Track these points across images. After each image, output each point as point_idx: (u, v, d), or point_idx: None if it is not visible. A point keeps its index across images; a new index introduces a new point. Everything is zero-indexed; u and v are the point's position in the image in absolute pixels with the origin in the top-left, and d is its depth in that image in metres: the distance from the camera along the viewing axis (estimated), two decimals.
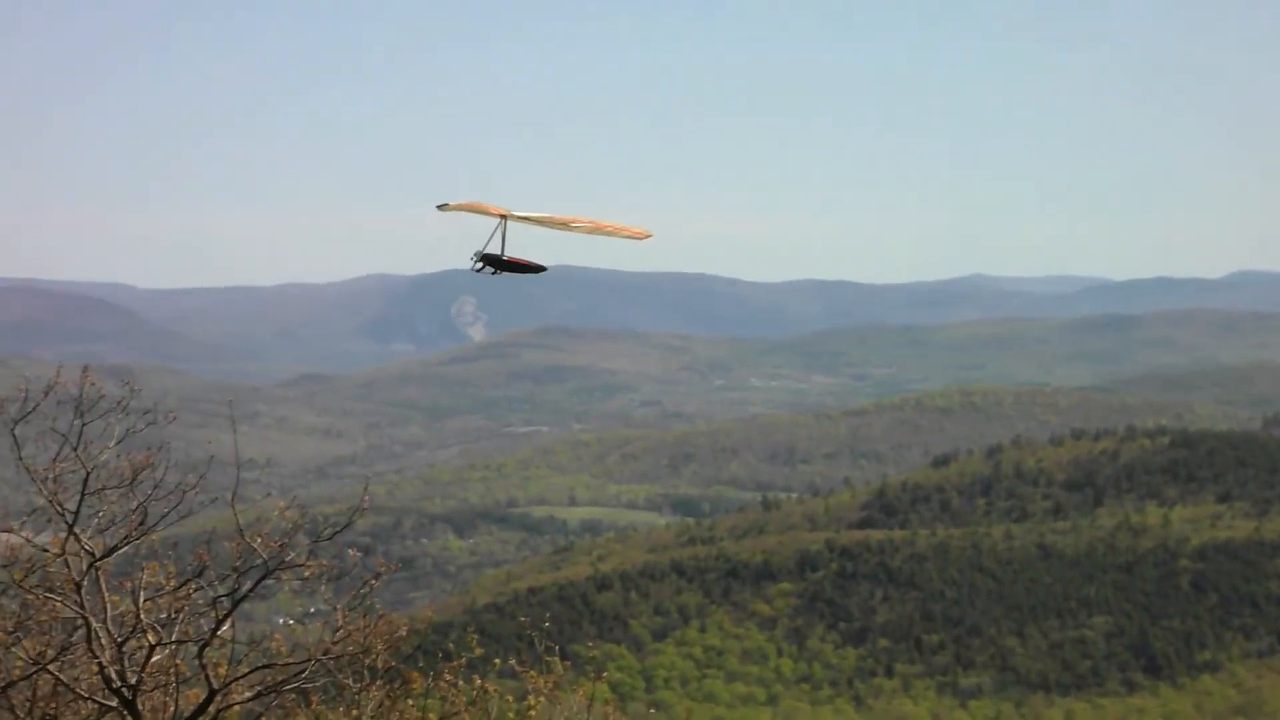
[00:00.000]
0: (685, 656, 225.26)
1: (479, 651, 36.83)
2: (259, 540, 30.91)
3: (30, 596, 31.53)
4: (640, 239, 27.56)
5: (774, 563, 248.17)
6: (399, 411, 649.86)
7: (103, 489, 31.14)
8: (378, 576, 32.02)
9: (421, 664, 34.94)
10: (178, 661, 31.83)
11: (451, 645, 35.94)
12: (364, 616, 31.91)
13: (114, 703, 30.75)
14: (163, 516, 31.18)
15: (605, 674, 39.40)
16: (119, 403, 31.40)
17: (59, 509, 30.79)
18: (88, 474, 30.89)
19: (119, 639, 30.81)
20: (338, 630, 31.60)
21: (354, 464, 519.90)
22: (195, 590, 31.60)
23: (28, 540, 31.54)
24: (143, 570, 31.57)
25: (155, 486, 31.29)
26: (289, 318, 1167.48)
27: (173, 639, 31.47)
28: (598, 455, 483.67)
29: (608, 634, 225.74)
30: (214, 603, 31.39)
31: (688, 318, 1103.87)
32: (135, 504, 31.27)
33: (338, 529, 31.83)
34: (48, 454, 31.06)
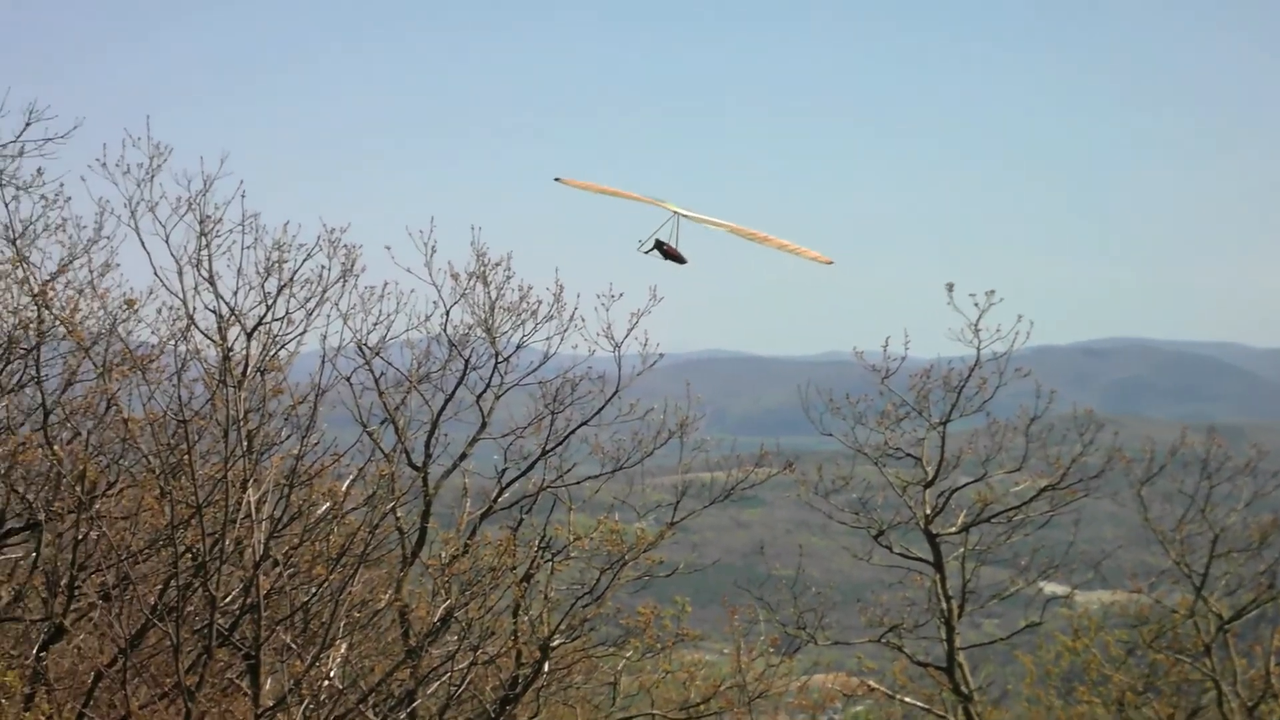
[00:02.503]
0: None
1: None
2: None
3: (1159, 657, 32.07)
4: (822, 264, 25.32)
5: None
6: None
7: (1230, 551, 31.11)
8: None
9: None
10: None
11: None
12: None
13: None
14: None
15: None
16: (1246, 464, 31.22)
17: (1186, 570, 31.04)
18: (1215, 536, 30.96)
19: (1249, 703, 30.59)
20: None
21: None
22: None
23: (1156, 601, 32.03)
24: (1272, 634, 31.23)
25: None
26: None
27: None
28: None
29: None
30: None
31: None
32: (1263, 567, 31.01)
33: None
34: (1173, 515, 31.42)
